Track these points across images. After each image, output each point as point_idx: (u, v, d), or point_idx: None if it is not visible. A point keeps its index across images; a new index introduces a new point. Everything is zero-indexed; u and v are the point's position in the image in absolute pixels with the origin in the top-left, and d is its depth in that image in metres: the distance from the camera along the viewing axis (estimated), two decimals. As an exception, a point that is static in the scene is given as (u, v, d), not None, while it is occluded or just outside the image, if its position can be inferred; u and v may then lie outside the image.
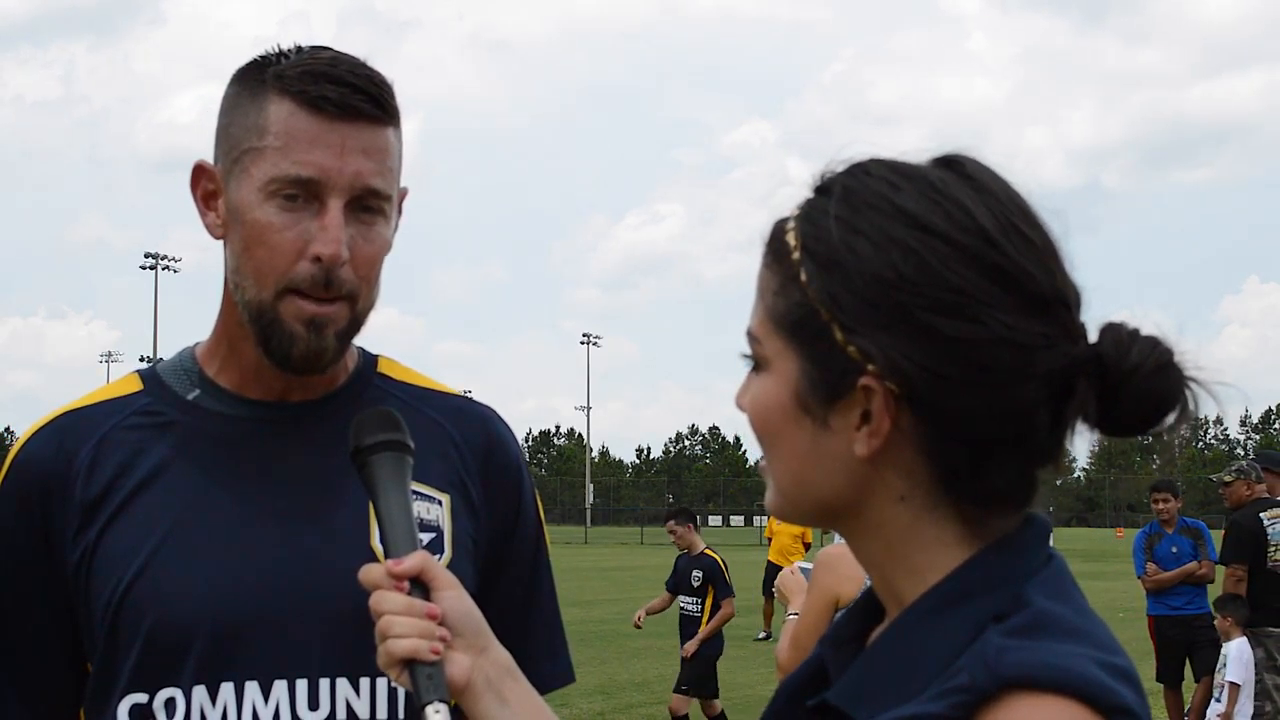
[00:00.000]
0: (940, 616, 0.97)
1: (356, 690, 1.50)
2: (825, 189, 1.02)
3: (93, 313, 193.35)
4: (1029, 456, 0.98)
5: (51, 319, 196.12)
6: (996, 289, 0.95)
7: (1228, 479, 9.54)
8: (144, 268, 66.86)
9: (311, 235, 1.47)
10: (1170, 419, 0.98)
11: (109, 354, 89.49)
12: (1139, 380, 0.96)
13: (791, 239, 1.01)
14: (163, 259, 66.67)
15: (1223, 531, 9.50)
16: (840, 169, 1.03)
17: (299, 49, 1.53)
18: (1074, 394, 0.96)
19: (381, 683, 1.51)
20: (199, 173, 1.56)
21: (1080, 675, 0.88)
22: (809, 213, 1.02)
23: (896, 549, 1.01)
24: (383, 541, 1.28)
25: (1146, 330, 0.98)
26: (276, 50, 1.54)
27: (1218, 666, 9.00)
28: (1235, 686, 8.84)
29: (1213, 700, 9.10)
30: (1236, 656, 8.90)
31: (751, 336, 1.04)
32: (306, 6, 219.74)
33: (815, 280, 0.98)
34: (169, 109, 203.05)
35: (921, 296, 0.95)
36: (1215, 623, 9.31)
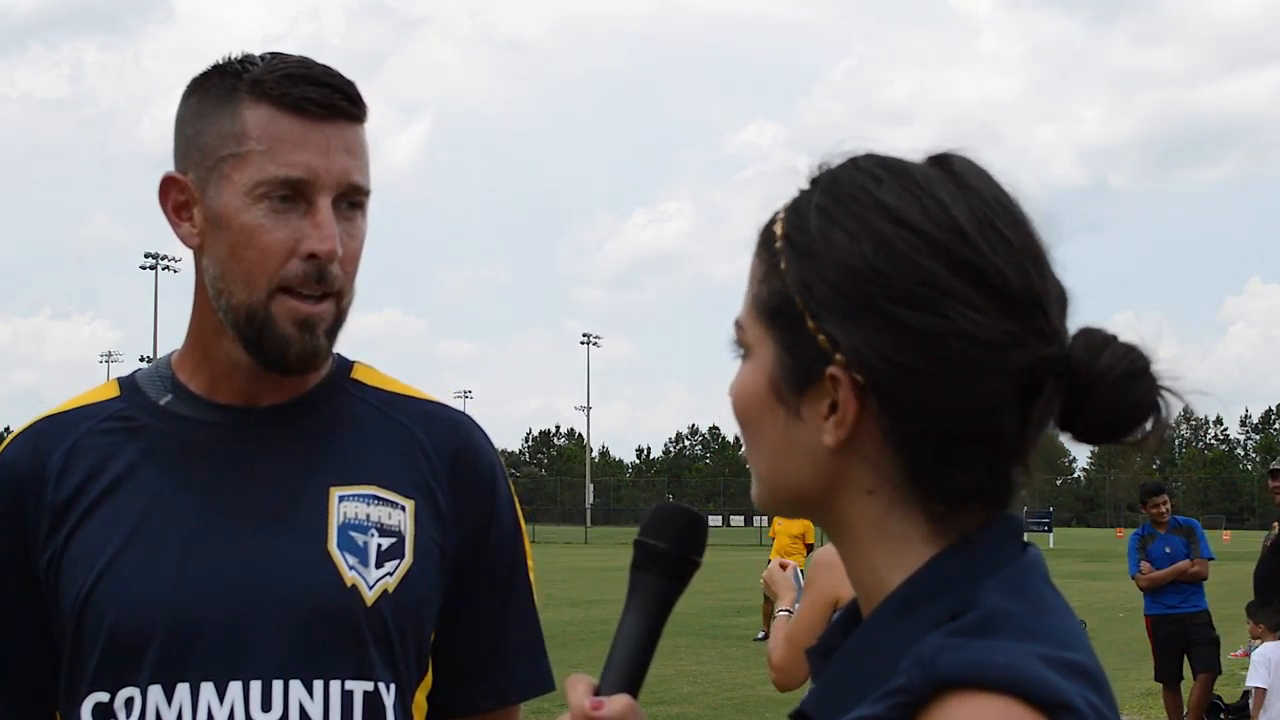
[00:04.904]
0: (898, 620, 0.96)
1: (310, 692, 1.51)
2: (815, 180, 1.03)
3: (94, 313, 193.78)
4: (996, 456, 0.97)
5: (55, 319, 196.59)
6: (964, 284, 0.95)
7: None
8: (144, 268, 66.99)
9: (303, 234, 1.49)
10: (1142, 429, 0.97)
11: (109, 354, 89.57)
12: (1107, 385, 0.96)
13: (778, 228, 1.03)
14: (163, 259, 66.64)
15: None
16: (835, 161, 1.03)
17: (261, 56, 1.54)
18: (1041, 394, 0.95)
19: (335, 685, 1.51)
20: (168, 184, 1.57)
21: (1017, 672, 0.86)
22: (796, 203, 1.03)
23: (864, 544, 1.01)
24: (607, 661, 1.12)
25: (1125, 338, 0.97)
26: (232, 59, 1.55)
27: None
28: (1261, 691, 8.69)
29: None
30: (1260, 661, 8.72)
31: (738, 324, 1.05)
32: (317, 4, 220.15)
33: (792, 268, 1.00)
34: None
35: (888, 287, 0.95)
36: (1248, 628, 9.17)
